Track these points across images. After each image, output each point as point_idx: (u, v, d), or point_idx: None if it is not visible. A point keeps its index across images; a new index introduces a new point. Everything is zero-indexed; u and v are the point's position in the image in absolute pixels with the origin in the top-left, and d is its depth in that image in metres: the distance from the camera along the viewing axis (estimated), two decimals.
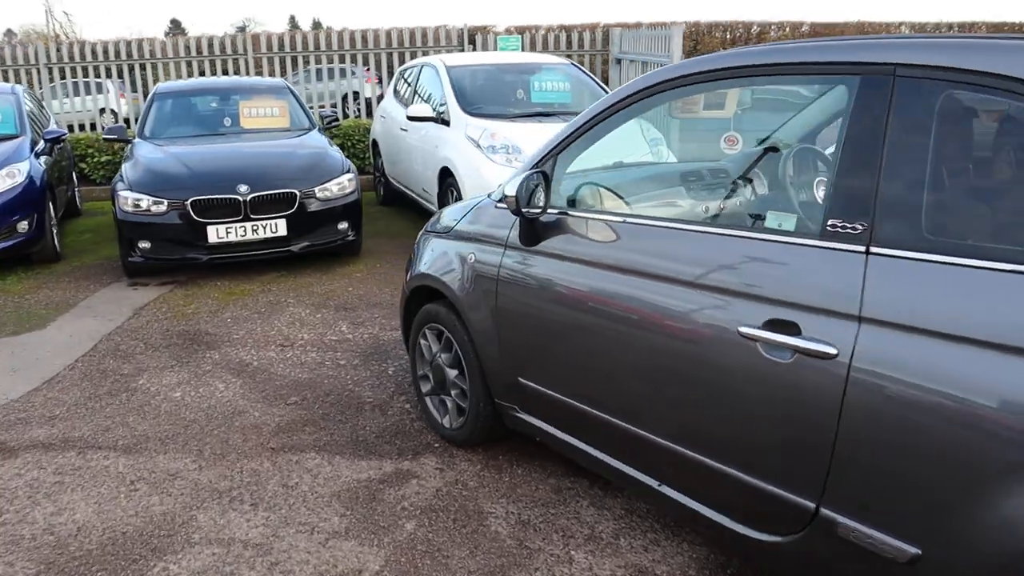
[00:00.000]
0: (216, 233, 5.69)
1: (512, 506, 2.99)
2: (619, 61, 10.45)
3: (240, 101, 7.11)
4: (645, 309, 2.35)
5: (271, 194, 5.81)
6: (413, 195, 7.61)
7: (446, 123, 6.67)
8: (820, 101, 2.81)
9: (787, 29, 19.16)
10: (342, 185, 6.16)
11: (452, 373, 3.34)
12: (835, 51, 2.09)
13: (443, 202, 6.60)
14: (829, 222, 1.99)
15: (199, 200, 5.65)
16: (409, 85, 8.08)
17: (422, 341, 3.51)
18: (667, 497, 2.46)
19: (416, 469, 3.26)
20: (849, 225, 1.95)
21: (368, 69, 11.45)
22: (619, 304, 2.43)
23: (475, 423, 3.24)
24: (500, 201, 2.98)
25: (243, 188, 5.72)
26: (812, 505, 2.01)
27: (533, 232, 2.74)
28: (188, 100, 7.18)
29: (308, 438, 3.54)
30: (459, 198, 6.20)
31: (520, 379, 2.91)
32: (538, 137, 6.16)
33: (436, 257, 3.31)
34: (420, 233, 3.71)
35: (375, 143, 8.75)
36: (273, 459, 3.36)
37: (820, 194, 2.39)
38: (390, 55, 11.16)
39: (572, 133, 2.73)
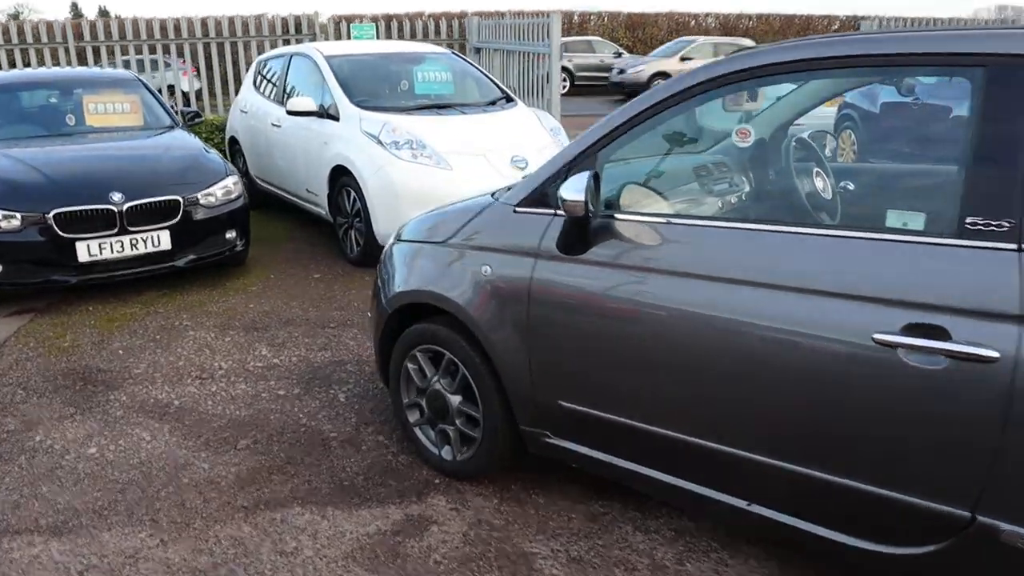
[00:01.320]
0: (88, 250, 4.85)
1: (554, 542, 2.70)
2: (478, 51, 10.21)
3: (84, 96, 6.15)
4: (744, 319, 2.15)
5: (151, 202, 5.04)
6: (291, 198, 6.97)
7: (333, 118, 6.13)
8: (933, 92, 2.72)
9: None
10: (227, 189, 5.48)
11: (455, 400, 2.98)
12: (954, 42, 1.98)
13: (336, 204, 6.07)
14: (968, 220, 1.88)
15: (64, 213, 4.78)
16: (270, 78, 7.39)
17: (410, 365, 3.11)
18: (758, 516, 2.29)
19: (429, 513, 2.88)
20: (993, 223, 1.85)
21: (184, 61, 10.37)
22: (708, 317, 2.21)
23: (490, 453, 2.91)
24: (521, 205, 2.66)
25: (117, 196, 4.92)
26: (967, 514, 1.91)
27: (583, 240, 2.45)
28: (18, 95, 6.11)
29: (282, 489, 3.04)
30: (359, 200, 5.72)
31: (561, 403, 2.62)
32: (441, 131, 5.83)
33: (432, 270, 2.92)
34: (391, 244, 3.29)
35: (233, 141, 7.94)
36: (252, 520, 2.84)
37: (945, 191, 2.29)
38: (221, 45, 10.22)
39: (618, 127, 2.46)
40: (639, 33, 24.94)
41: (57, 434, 3.49)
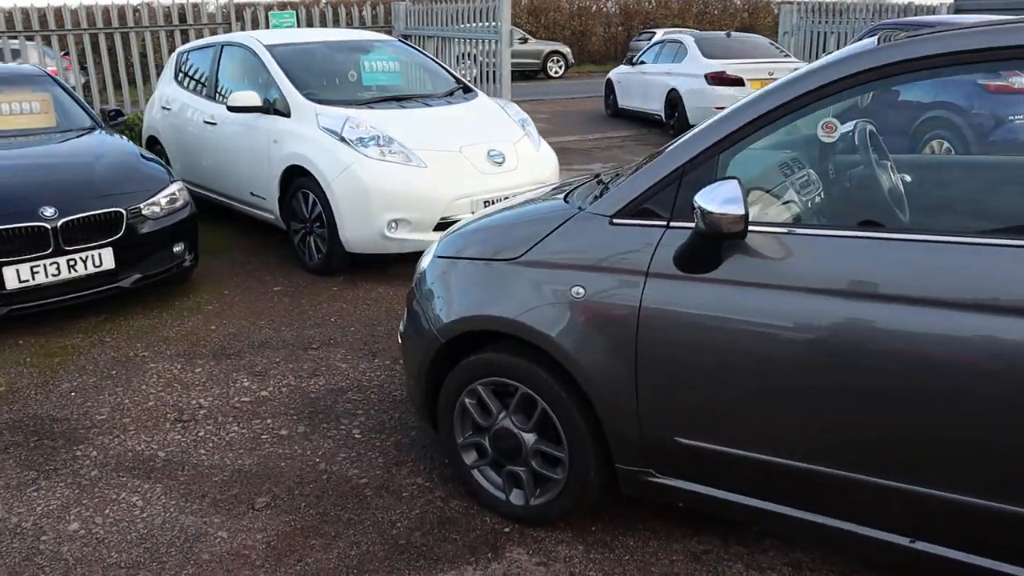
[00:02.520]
0: (17, 276, 4.13)
1: None
2: (407, 37, 9.67)
3: None
4: (915, 340, 1.87)
5: (90, 216, 4.35)
6: (230, 202, 6.31)
7: (281, 113, 5.54)
8: None
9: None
10: (172, 197, 4.83)
11: (529, 439, 2.58)
12: None
13: (290, 209, 5.50)
14: None
15: None
16: (196, 71, 6.67)
17: (467, 400, 2.69)
18: (923, 553, 2.03)
19: (514, 571, 2.48)
20: None
21: (66, 54, 9.32)
22: (872, 338, 1.91)
23: (578, 496, 2.53)
24: (621, 216, 2.29)
25: (49, 211, 4.22)
26: None
27: (714, 256, 2.10)
28: None
29: (328, 557, 2.57)
30: (320, 203, 5.18)
31: (678, 438, 2.27)
32: (407, 125, 5.38)
33: (501, 293, 2.49)
34: (430, 260, 2.84)
35: (152, 140, 7.16)
36: None
37: None
38: (126, 35, 9.29)
39: (749, 123, 2.12)
40: (542, 19, 24.75)
41: (23, 508, 2.87)
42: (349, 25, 9.61)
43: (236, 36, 6.40)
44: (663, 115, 11.86)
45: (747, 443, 2.17)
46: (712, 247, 2.08)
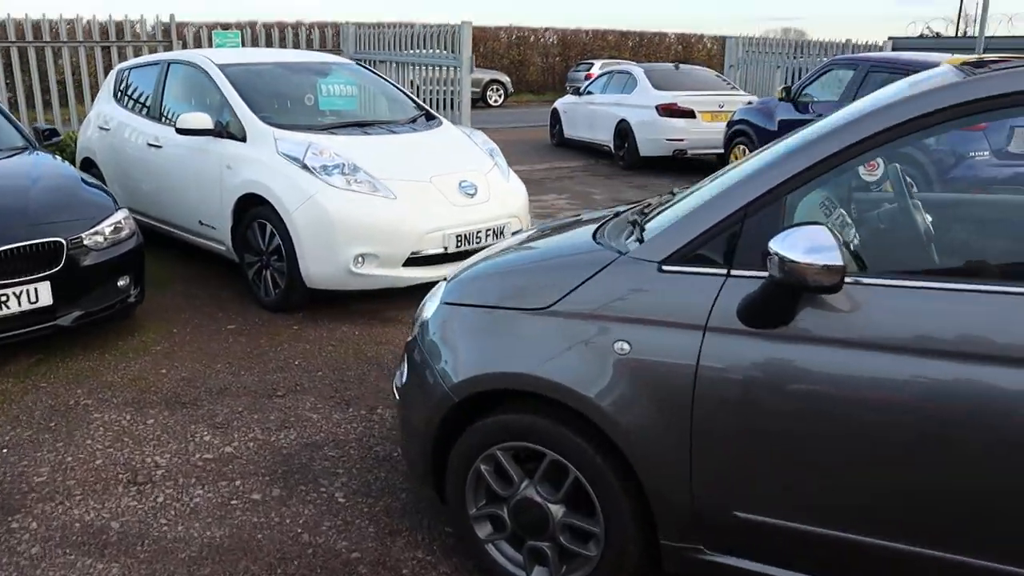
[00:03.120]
0: None
1: None
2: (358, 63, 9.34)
3: None
4: None
5: (25, 247, 3.89)
6: (175, 231, 5.85)
7: (235, 137, 5.16)
8: None
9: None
10: (117, 226, 4.40)
11: (557, 511, 2.30)
12: None
13: (244, 240, 5.10)
14: None
15: None
16: (139, 90, 6.22)
17: (483, 467, 2.38)
18: None
19: None
20: None
21: None
22: (989, 403, 1.71)
23: (613, 575, 2.26)
24: (671, 263, 2.05)
25: None
26: None
27: (788, 309, 1.87)
28: None
29: None
30: (279, 235, 4.81)
31: (737, 513, 2.03)
32: (372, 153, 5.08)
33: (529, 347, 2.21)
34: (436, 307, 2.54)
35: (88, 163, 6.63)
36: None
37: None
38: (58, 50, 8.71)
39: (823, 160, 1.92)
40: (480, 48, 24.70)
41: None
42: (296, 47, 9.24)
43: (184, 54, 5.99)
44: (612, 146, 11.81)
45: (821, 519, 1.94)
46: (787, 300, 1.86)
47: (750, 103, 9.80)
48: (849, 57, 8.92)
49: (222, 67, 5.52)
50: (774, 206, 1.95)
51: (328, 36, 9.53)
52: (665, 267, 2.06)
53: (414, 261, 4.85)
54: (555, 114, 13.86)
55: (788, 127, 8.64)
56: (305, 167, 4.79)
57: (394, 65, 8.76)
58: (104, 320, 4.42)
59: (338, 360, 4.32)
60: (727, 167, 2.68)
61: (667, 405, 2.03)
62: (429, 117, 6.03)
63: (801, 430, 1.90)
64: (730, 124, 9.70)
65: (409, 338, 2.69)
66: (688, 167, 11.30)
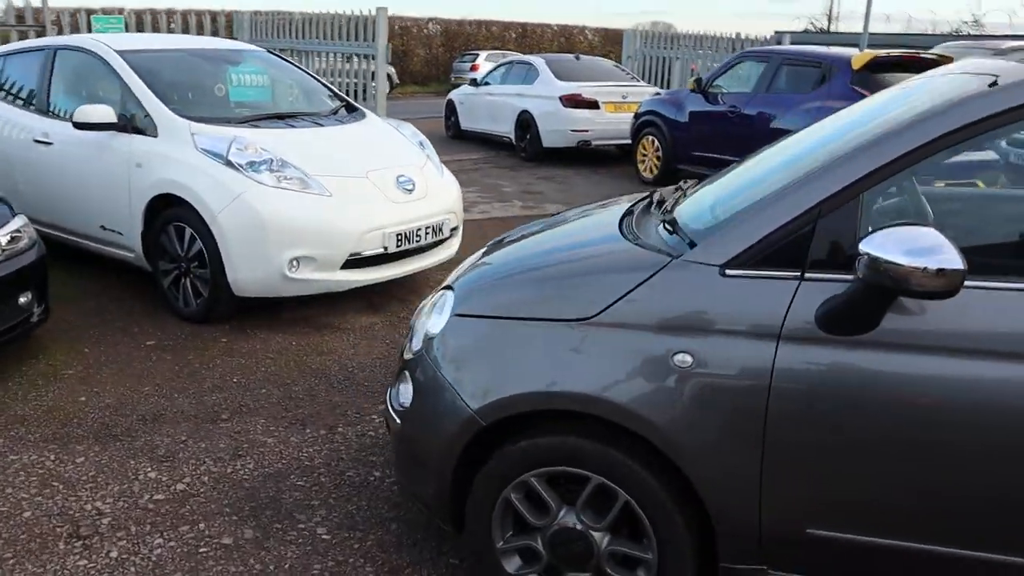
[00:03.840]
0: None
1: None
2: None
3: None
4: None
5: None
6: (70, 238, 5.22)
7: (141, 131, 4.64)
8: None
9: None
10: (14, 235, 3.84)
11: (602, 539, 2.10)
12: None
13: (158, 246, 4.60)
14: None
15: None
16: (19, 81, 5.52)
17: (514, 496, 2.15)
18: None
19: None
20: None
21: None
22: None
23: None
24: (735, 266, 1.89)
25: None
26: None
27: (878, 315, 1.74)
28: None
29: None
30: (200, 239, 4.36)
31: (811, 530, 1.89)
32: (301, 148, 4.72)
33: (570, 362, 1.99)
34: (447, 320, 2.27)
35: None
36: None
37: None
38: None
39: (902, 156, 1.79)
40: None
41: None
42: (185, 31, 8.56)
43: (75, 39, 5.36)
44: (513, 137, 11.67)
45: (905, 532, 1.84)
46: (878, 305, 1.73)
47: (658, 94, 9.88)
48: (761, 49, 9.12)
49: (122, 53, 4.96)
50: (851, 204, 1.82)
51: (221, 23, 8.88)
52: (729, 271, 1.90)
53: (353, 263, 4.51)
54: (450, 105, 13.57)
55: (699, 119, 8.77)
56: (229, 164, 4.36)
57: (299, 55, 8.26)
58: (5, 343, 3.85)
59: (281, 375, 3.95)
60: (756, 157, 2.56)
61: (736, 420, 1.88)
62: (350, 108, 5.67)
63: (891, 441, 1.78)
64: (638, 115, 9.74)
65: (408, 355, 2.41)
66: (592, 158, 11.32)
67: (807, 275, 1.83)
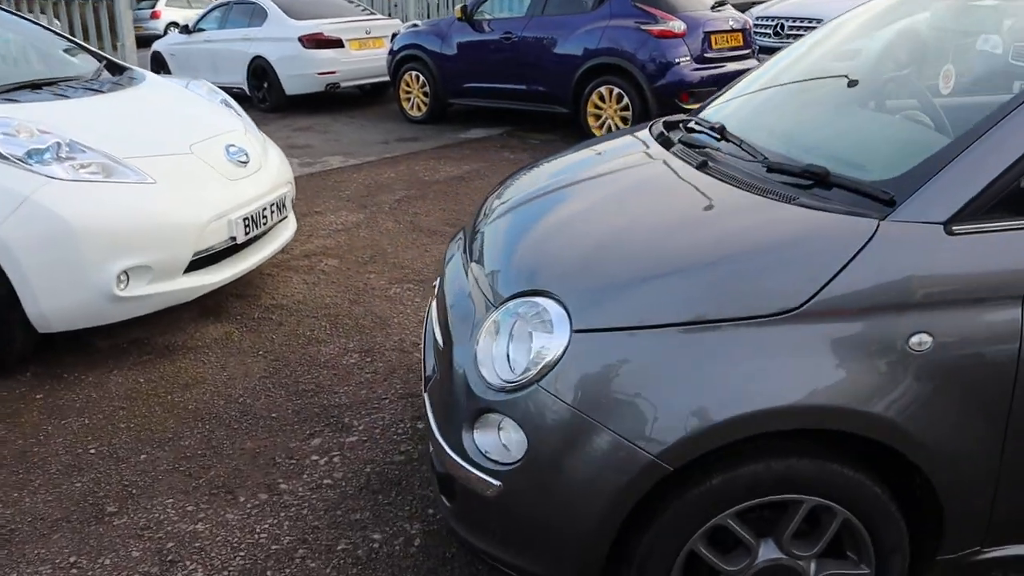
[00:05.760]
0: None
1: None
2: None
3: None
4: None
5: None
6: None
7: None
8: None
9: None
10: None
11: (811, 567, 1.72)
12: None
13: None
14: None
15: None
16: None
17: (700, 547, 1.67)
18: None
19: None
20: None
21: None
22: None
23: None
24: (964, 220, 1.55)
25: None
26: None
27: None
28: None
29: None
30: None
31: None
32: (93, 123, 3.62)
33: (772, 370, 1.53)
34: (560, 339, 1.67)
35: None
36: None
37: None
38: None
39: None
40: None
41: None
42: None
43: None
44: (247, 88, 10.35)
45: None
46: None
47: (415, 26, 9.19)
48: None
49: None
50: None
51: None
52: (956, 228, 1.56)
53: (198, 263, 3.54)
54: (158, 59, 11.68)
55: (470, 49, 8.29)
56: (4, 158, 3.14)
57: None
58: None
59: (152, 428, 2.99)
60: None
61: (980, 399, 1.59)
62: (116, 68, 4.44)
63: None
64: (395, 51, 9.02)
65: (501, 396, 1.76)
66: (340, 102, 10.42)
67: None
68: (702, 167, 2.07)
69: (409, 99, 9.07)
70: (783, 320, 1.56)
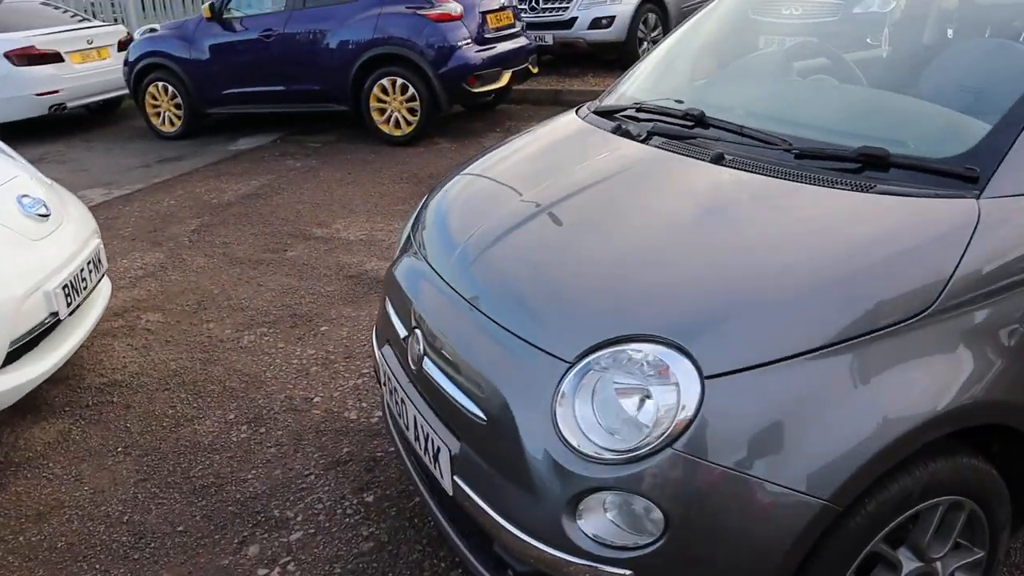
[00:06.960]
0: None
1: None
2: None
3: None
4: None
5: None
6: None
7: None
8: None
9: None
10: None
11: (943, 566, 1.63)
12: None
13: None
14: None
15: None
16: None
17: None
18: None
19: None
20: None
21: None
22: None
23: None
24: None
25: None
26: None
27: None
28: None
29: None
30: None
31: None
32: None
33: (917, 379, 1.39)
34: (690, 391, 1.39)
35: None
36: None
37: None
38: None
39: None
40: None
41: None
42: None
43: None
44: None
45: None
46: None
47: (153, 30, 8.05)
48: None
49: None
50: None
51: None
52: None
53: (15, 354, 2.76)
54: None
55: (226, 52, 7.45)
56: None
57: None
58: None
59: (55, 555, 2.26)
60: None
61: None
62: None
63: None
64: (132, 61, 7.88)
65: (613, 470, 1.44)
66: (68, 127, 8.97)
67: None
68: (718, 161, 1.88)
69: (159, 114, 8.00)
70: (920, 322, 1.42)
